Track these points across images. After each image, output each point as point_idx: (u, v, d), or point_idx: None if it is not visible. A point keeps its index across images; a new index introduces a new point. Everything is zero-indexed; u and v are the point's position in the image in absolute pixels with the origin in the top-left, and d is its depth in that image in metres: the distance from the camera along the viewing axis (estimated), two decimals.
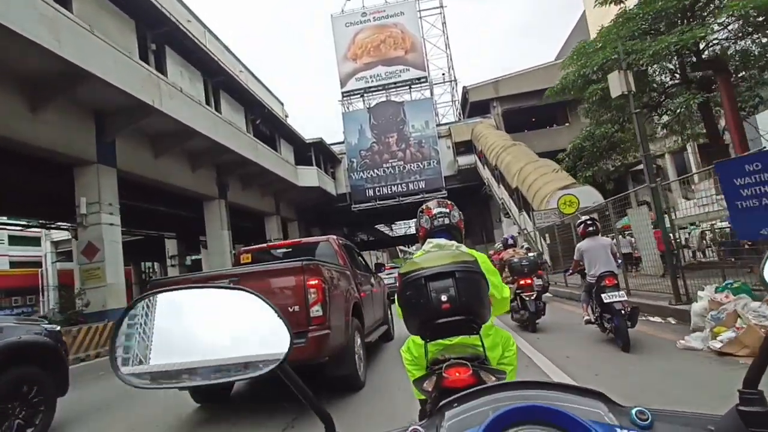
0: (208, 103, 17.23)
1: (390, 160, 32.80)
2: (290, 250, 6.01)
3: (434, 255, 1.56)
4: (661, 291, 7.23)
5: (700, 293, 4.74)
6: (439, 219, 2.10)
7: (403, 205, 32.28)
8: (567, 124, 32.77)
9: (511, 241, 8.96)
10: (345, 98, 35.34)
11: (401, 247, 70.37)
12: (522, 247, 10.11)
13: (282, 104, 33.81)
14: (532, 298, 6.81)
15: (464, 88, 34.20)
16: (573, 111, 33.36)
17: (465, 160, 32.40)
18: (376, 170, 32.75)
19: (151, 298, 0.83)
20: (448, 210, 2.13)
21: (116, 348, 0.80)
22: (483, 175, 30.06)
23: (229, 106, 19.96)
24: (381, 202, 32.40)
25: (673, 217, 6.76)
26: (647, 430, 0.56)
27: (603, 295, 5.06)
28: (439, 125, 34.28)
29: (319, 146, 29.43)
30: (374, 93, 35.23)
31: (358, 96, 35.36)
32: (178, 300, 0.86)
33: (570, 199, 11.72)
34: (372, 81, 34.95)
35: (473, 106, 34.05)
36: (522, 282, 7.01)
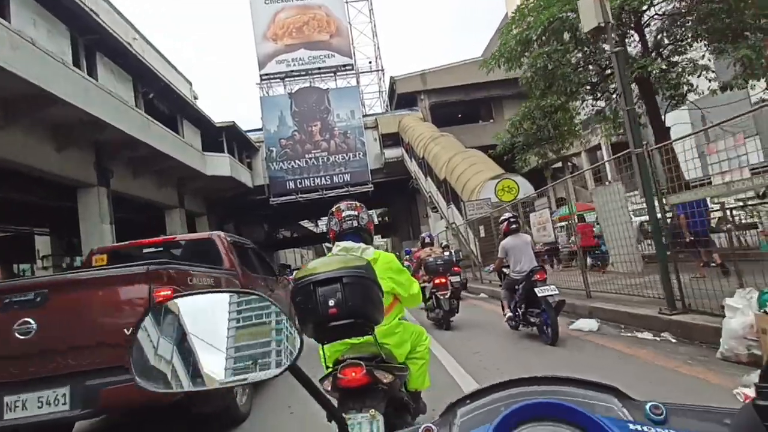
0: (77, 65, 13.94)
1: (313, 151, 30.51)
2: (161, 249, 5.16)
3: (325, 260, 1.52)
4: (637, 294, 6.04)
5: (729, 301, 3.26)
6: (348, 221, 2.21)
7: (327, 198, 30.13)
8: (492, 121, 32.64)
9: (428, 240, 8.83)
10: (264, 81, 32.40)
11: (327, 245, 68.11)
12: (442, 245, 10.31)
13: (190, 83, 30.12)
14: (446, 296, 6.91)
15: (392, 78, 32.81)
16: (498, 107, 33.40)
17: (392, 153, 31.00)
18: (297, 161, 30.29)
19: (164, 305, 0.87)
20: (356, 212, 2.24)
21: (133, 357, 0.82)
22: (410, 169, 28.84)
23: (110, 74, 16.59)
24: (303, 196, 30.02)
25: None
26: (662, 425, 0.57)
27: (536, 290, 5.12)
28: (365, 116, 32.57)
29: (233, 131, 26.39)
30: (296, 78, 32.65)
31: (278, 80, 32.57)
32: (190, 305, 0.88)
33: (509, 184, 10.41)
34: (294, 64, 32.36)
35: (401, 98, 32.77)
36: (437, 281, 7.02)
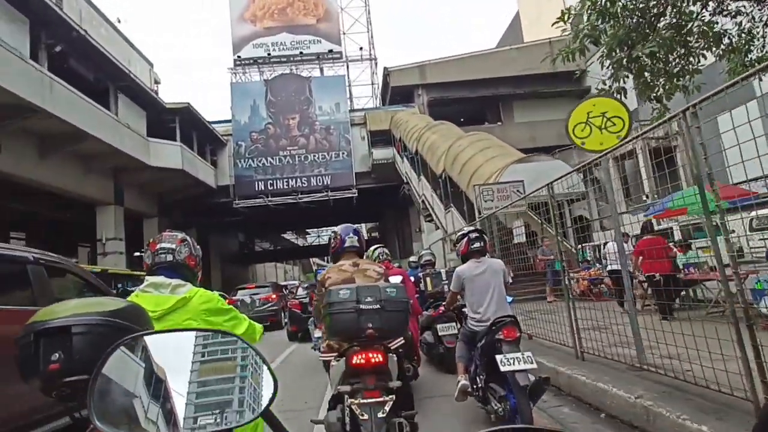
0: None
1: (289, 147, 25.98)
2: None
3: (61, 305, 1.29)
4: None
5: None
6: (162, 255, 2.05)
7: (302, 204, 25.51)
8: (499, 123, 28.37)
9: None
10: (238, 66, 28.12)
11: (316, 260, 63.29)
12: (421, 259, 6.56)
13: (151, 65, 25.78)
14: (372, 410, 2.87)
15: (385, 69, 28.52)
16: (508, 108, 29.14)
17: (382, 154, 26.50)
18: (270, 158, 25.72)
19: (127, 344, 0.83)
20: (174, 245, 2.07)
21: (93, 397, 0.78)
22: (401, 171, 24.33)
23: None
24: (273, 200, 25.36)
25: None
26: None
27: (499, 358, 3.19)
28: (352, 110, 28.21)
29: (188, 117, 21.85)
30: (276, 65, 28.40)
31: (255, 66, 28.29)
32: (158, 344, 0.84)
33: (605, 107, 4.55)
34: (274, 49, 28.18)
35: (395, 92, 28.45)
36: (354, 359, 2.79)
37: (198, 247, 2.16)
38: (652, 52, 4.97)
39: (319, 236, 50.33)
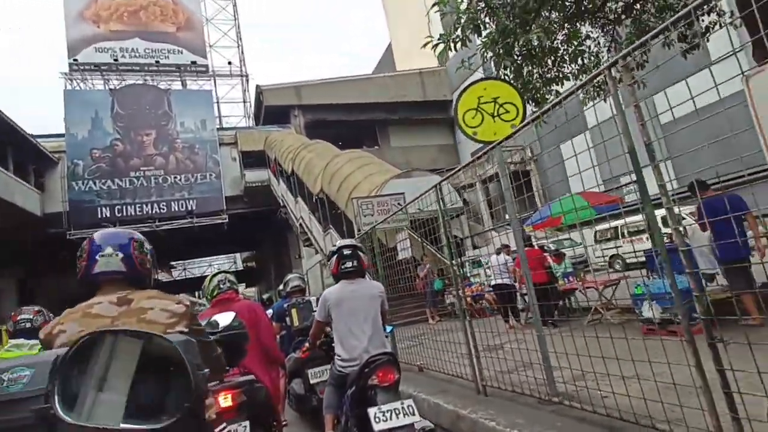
0: None
1: (143, 168, 22.65)
2: None
3: None
4: None
5: None
6: (22, 324, 2.64)
7: (160, 233, 22.21)
8: (376, 147, 28.51)
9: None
10: (75, 72, 24.03)
11: (184, 296, 56.72)
12: (290, 286, 5.11)
13: None
14: None
15: (258, 87, 26.91)
16: (384, 132, 29.52)
17: (255, 176, 24.59)
18: (118, 180, 22.08)
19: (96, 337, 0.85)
20: (32, 316, 2.65)
21: (57, 385, 0.83)
22: (277, 194, 22.75)
23: None
24: (122, 229, 21.62)
25: None
26: None
27: (372, 413, 2.52)
28: (222, 129, 25.92)
29: None
30: (126, 73, 24.94)
31: (98, 74, 24.49)
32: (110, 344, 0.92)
33: (496, 91, 3.82)
34: (123, 56, 24.73)
35: (270, 112, 26.94)
36: None
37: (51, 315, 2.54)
38: (539, 37, 4.58)
39: (185, 269, 45.25)
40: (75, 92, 23.25)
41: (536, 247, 7.85)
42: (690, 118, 2.16)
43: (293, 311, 4.60)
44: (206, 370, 1.39)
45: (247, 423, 2.57)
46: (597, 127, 3.86)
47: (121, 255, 1.59)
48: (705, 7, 4.63)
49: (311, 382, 4.15)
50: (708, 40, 5.98)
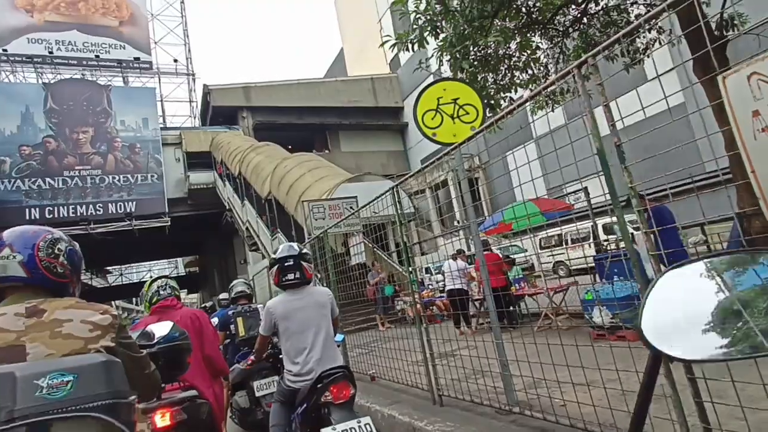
0: None
1: (78, 167, 21.10)
2: None
3: None
4: None
5: None
6: None
7: (95, 236, 20.74)
8: (327, 151, 28.22)
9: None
10: (3, 63, 22.10)
11: (120, 303, 53.45)
12: (234, 292, 4.90)
13: None
14: None
15: (205, 87, 25.89)
16: (334, 137, 29.26)
17: (200, 178, 23.59)
18: (49, 179, 20.42)
19: None
20: None
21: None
22: (223, 197, 21.91)
23: None
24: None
25: None
26: None
27: None
28: (165, 128, 24.68)
29: None
30: (62, 67, 23.22)
31: (30, 66, 22.65)
32: None
33: (455, 92, 3.33)
34: (59, 48, 23.03)
35: (217, 113, 26.00)
36: None
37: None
38: (497, 41, 4.61)
39: (122, 274, 42.64)
40: (3, 85, 21.32)
41: (494, 252, 7.94)
42: (630, 130, 2.19)
43: (239, 320, 4.43)
44: (133, 397, 1.17)
45: None
46: (550, 134, 3.91)
47: (20, 257, 1.31)
48: (647, 24, 4.88)
49: (257, 394, 3.94)
50: (649, 56, 6.27)
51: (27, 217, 19.82)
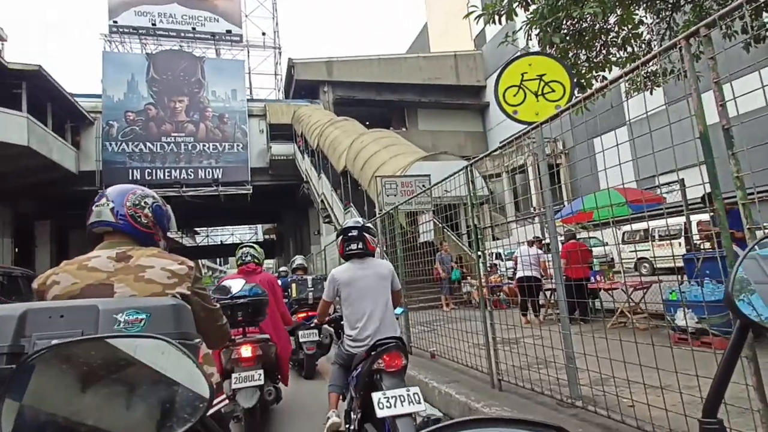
0: None
1: (174, 133, 22.94)
2: None
3: None
4: None
5: None
6: None
7: (186, 199, 22.56)
8: (404, 129, 28.07)
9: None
10: (114, 34, 24.34)
11: (205, 262, 58.28)
12: (294, 265, 6.62)
13: None
14: None
15: (290, 60, 26.73)
16: (412, 115, 29.03)
17: (281, 150, 24.63)
18: (149, 143, 22.46)
19: (42, 354, 0.67)
20: None
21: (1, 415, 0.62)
22: (301, 169, 22.75)
23: None
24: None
25: None
26: None
27: (376, 398, 2.38)
28: (251, 100, 25.94)
29: (39, 82, 18.04)
30: (163, 39, 25.11)
31: (135, 37, 24.72)
32: (75, 355, 0.70)
33: (542, 67, 3.17)
34: (161, 21, 24.89)
35: (300, 86, 26.80)
36: None
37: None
38: (595, 12, 4.26)
39: (208, 236, 46.16)
40: (113, 54, 23.59)
41: (580, 241, 7.54)
42: (744, 119, 1.89)
43: (293, 285, 6.12)
44: (198, 340, 1.27)
45: (261, 371, 3.19)
46: (646, 118, 3.55)
47: (111, 206, 1.52)
48: None
49: (300, 340, 5.42)
50: None
51: (129, 178, 21.99)
